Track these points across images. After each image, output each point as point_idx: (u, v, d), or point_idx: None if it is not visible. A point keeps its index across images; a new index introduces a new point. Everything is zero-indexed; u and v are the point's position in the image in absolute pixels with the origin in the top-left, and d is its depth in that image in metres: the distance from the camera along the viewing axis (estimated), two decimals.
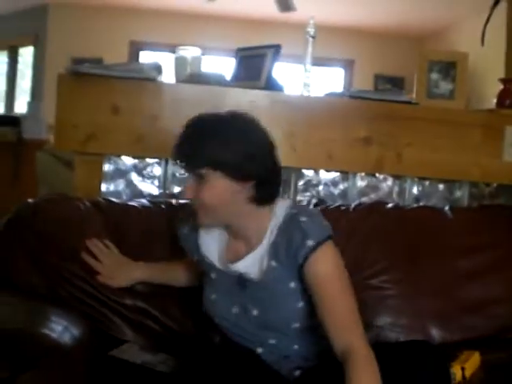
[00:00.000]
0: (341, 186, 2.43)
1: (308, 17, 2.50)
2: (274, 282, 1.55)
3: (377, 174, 2.47)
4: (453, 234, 2.19)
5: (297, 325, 1.58)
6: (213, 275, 1.66)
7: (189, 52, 2.53)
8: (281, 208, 1.58)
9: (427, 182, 2.51)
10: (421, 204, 2.47)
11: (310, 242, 1.49)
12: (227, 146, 1.46)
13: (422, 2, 6.30)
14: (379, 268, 2.12)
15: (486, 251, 2.20)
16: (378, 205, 2.27)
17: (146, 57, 7.70)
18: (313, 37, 2.45)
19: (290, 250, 1.51)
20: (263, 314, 1.58)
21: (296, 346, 1.62)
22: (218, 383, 1.49)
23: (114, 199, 2.20)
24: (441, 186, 2.52)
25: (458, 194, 2.54)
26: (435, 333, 1.95)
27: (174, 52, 2.61)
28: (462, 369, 1.64)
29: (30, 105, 6.82)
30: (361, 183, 2.47)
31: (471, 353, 1.74)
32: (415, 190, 2.50)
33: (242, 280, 1.59)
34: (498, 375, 1.78)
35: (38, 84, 7.59)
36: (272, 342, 1.61)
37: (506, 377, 1.79)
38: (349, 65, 7.80)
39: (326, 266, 1.51)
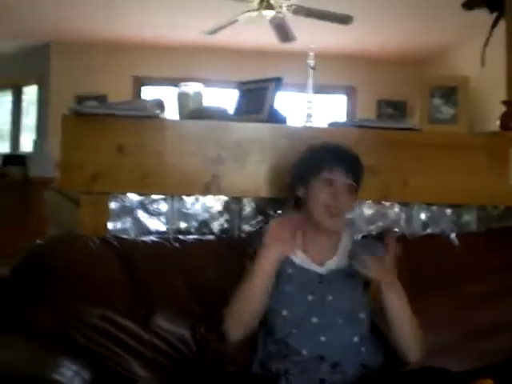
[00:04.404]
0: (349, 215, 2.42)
1: (308, 45, 2.52)
2: (348, 276, 1.85)
3: (383, 202, 2.46)
4: (459, 260, 2.18)
5: (362, 315, 1.83)
6: (289, 270, 1.87)
7: (191, 88, 2.55)
8: None
9: (434, 208, 2.50)
10: (428, 230, 2.46)
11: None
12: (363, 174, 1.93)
13: (420, 26, 6.36)
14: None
15: (494, 275, 2.19)
16: None
17: (148, 92, 7.75)
18: (313, 68, 2.47)
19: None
20: (337, 299, 1.82)
21: (345, 349, 1.78)
22: None
23: (122, 236, 2.22)
24: (448, 211, 2.51)
25: (466, 218, 2.52)
26: (442, 362, 1.91)
27: (176, 86, 2.62)
28: None
29: (36, 143, 6.87)
30: (368, 211, 2.46)
31: (485, 381, 1.71)
32: (423, 216, 2.49)
33: (320, 274, 1.86)
34: None
35: (43, 122, 7.64)
36: (331, 333, 1.78)
37: None
38: (351, 91, 7.83)
39: None
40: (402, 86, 7.31)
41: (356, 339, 1.81)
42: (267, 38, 6.13)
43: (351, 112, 7.70)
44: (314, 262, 1.89)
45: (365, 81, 7.65)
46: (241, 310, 1.80)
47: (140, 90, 7.76)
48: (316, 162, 1.90)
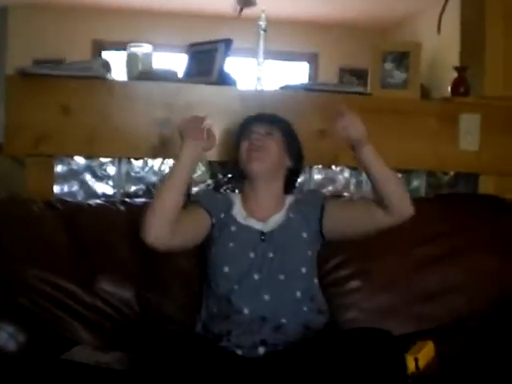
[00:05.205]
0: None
1: (267, 11, 2.47)
2: (290, 231, 1.93)
3: (333, 166, 2.46)
4: (408, 224, 2.18)
5: (304, 269, 1.88)
6: (232, 228, 1.92)
7: (140, 49, 2.49)
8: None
9: None
10: None
11: (323, 193, 2.18)
12: (292, 128, 2.06)
13: None
14: (334, 264, 2.12)
15: (442, 240, 2.20)
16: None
17: (108, 56, 7.61)
18: (264, 30, 2.43)
19: (309, 202, 1.99)
20: (278, 256, 1.86)
21: (287, 310, 1.80)
22: (174, 375, 1.48)
23: (67, 199, 2.19)
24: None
25: (415, 183, 2.54)
26: (390, 324, 1.92)
27: None
28: (416, 359, 1.62)
29: None
30: (318, 176, 2.46)
31: (424, 343, 1.72)
32: None
33: (262, 232, 1.90)
34: (453, 365, 1.76)
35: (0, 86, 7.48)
36: (273, 290, 1.81)
37: (461, 367, 1.78)
38: (313, 58, 7.78)
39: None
40: (365, 54, 7.26)
41: (298, 294, 1.84)
42: (223, 2, 6.02)
43: (313, 79, 7.65)
44: (257, 220, 1.94)
45: (327, 48, 7.59)
46: (161, 204, 1.75)
47: (100, 55, 7.61)
48: (241, 127, 2.06)
